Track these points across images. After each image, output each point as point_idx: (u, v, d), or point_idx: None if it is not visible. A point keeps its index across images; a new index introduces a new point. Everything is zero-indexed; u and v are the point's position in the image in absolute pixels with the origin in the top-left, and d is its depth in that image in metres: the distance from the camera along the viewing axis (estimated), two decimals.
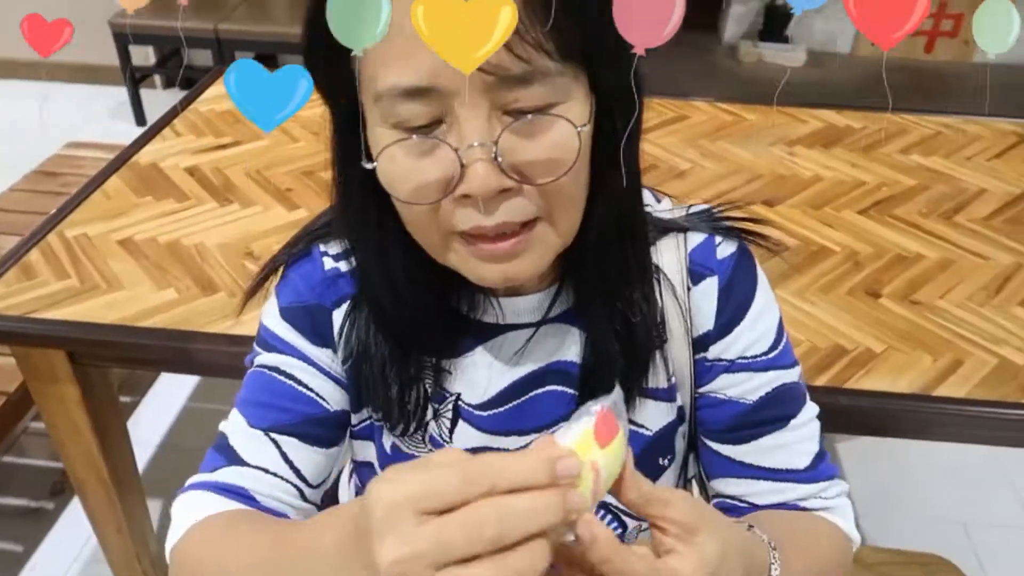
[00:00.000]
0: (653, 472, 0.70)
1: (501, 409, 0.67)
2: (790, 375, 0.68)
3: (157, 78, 3.80)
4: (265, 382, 0.66)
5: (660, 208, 0.69)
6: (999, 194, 1.46)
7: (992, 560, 1.69)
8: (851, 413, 1.05)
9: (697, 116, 1.74)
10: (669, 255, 0.66)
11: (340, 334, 0.66)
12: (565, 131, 0.49)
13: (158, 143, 1.61)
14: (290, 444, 0.65)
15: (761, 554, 0.54)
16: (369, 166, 0.52)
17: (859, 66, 4.24)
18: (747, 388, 0.67)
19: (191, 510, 0.62)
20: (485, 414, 0.68)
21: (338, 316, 0.67)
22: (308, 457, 0.66)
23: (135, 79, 3.37)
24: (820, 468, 0.68)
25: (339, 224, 0.64)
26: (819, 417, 0.70)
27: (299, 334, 0.66)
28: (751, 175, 1.52)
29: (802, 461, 0.67)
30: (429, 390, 0.67)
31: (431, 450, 0.68)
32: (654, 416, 0.69)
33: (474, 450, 0.65)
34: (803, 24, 4.27)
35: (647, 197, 0.68)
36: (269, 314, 0.68)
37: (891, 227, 1.37)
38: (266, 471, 0.64)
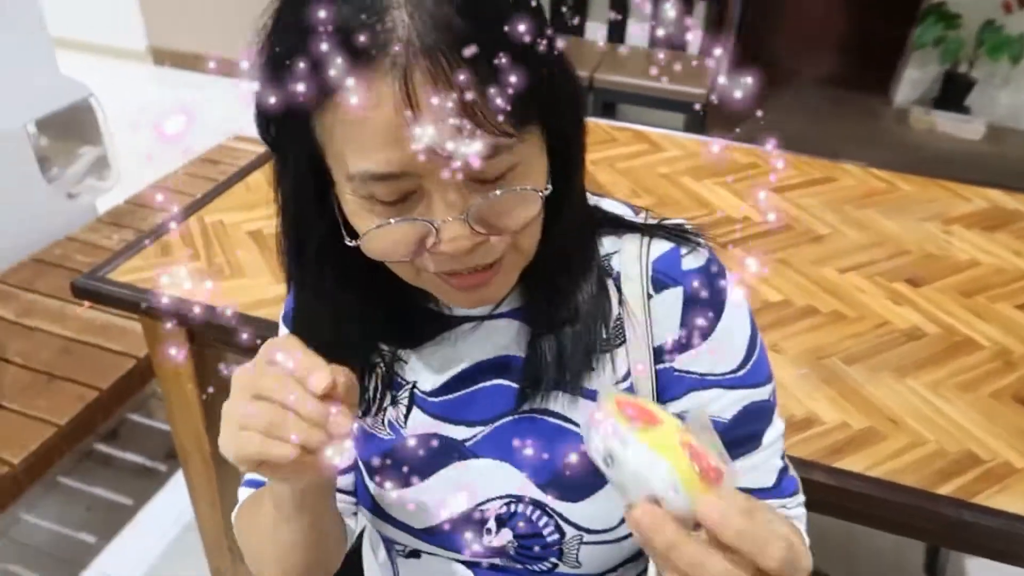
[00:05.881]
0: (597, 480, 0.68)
1: (449, 397, 0.70)
2: (761, 393, 0.68)
3: None
4: None
5: (635, 218, 0.70)
6: None
7: None
8: (977, 531, 0.93)
9: (846, 180, 1.63)
10: (631, 260, 0.66)
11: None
12: (528, 198, 0.53)
13: None
14: None
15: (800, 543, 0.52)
16: (358, 238, 0.55)
17: None
18: (721, 405, 0.67)
19: (240, 500, 0.78)
20: (435, 400, 0.71)
21: None
22: None
23: None
24: (784, 484, 0.71)
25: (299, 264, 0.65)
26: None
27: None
28: (896, 249, 1.40)
29: (769, 479, 0.70)
30: (383, 379, 0.72)
31: (390, 434, 0.72)
32: None
33: (425, 436, 0.70)
34: (986, 95, 3.96)
35: (624, 209, 0.70)
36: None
37: None
38: None
